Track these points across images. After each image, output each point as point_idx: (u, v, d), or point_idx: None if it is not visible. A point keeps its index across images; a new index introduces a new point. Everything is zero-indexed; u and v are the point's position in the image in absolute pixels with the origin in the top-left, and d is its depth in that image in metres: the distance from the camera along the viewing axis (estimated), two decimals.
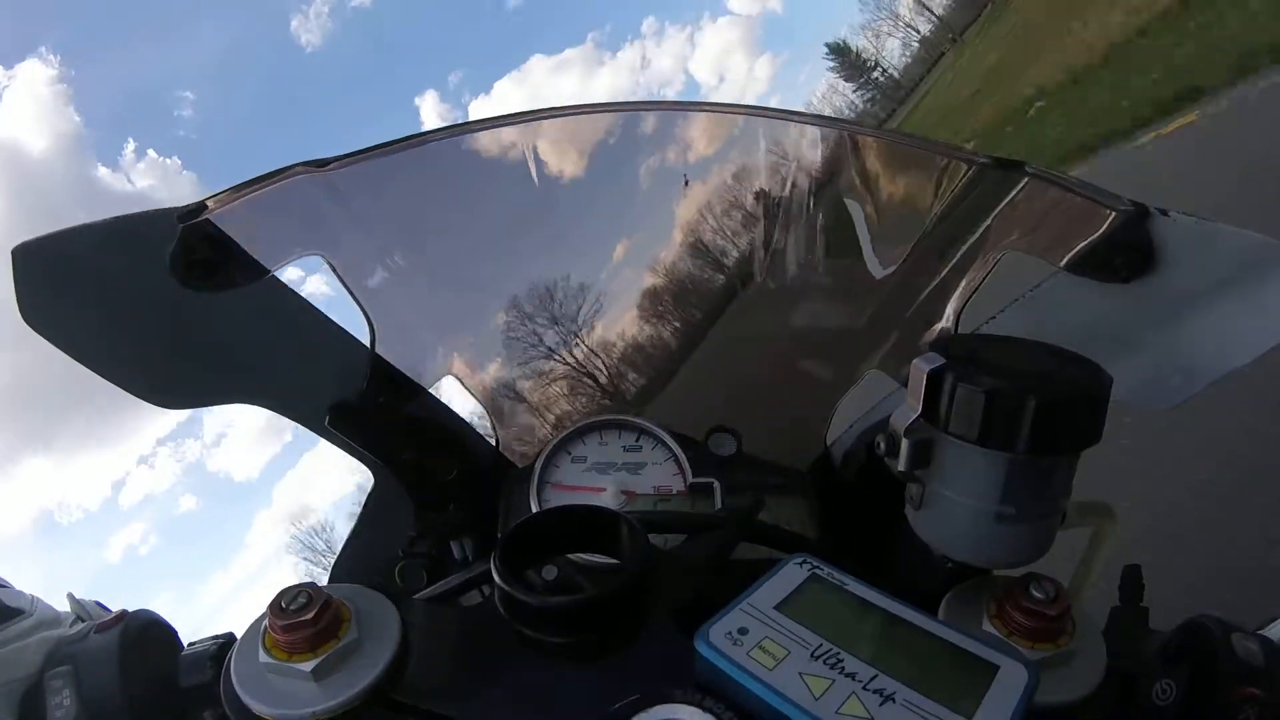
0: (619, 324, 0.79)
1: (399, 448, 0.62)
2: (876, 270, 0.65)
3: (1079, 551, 0.47)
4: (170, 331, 0.50)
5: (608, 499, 0.59)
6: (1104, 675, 0.35)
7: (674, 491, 0.60)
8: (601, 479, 0.61)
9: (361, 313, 0.58)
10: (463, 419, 0.69)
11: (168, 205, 0.47)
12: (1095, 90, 7.93)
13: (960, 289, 0.58)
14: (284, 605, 0.31)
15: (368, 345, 0.58)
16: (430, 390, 0.66)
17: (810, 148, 0.69)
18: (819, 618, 0.30)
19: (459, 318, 0.71)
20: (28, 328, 0.43)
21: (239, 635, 0.34)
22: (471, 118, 0.60)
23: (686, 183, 0.72)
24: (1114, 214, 0.46)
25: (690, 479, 0.60)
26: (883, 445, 0.37)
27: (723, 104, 0.65)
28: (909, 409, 0.35)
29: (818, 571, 0.33)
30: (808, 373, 0.75)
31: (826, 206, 0.71)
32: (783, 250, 0.75)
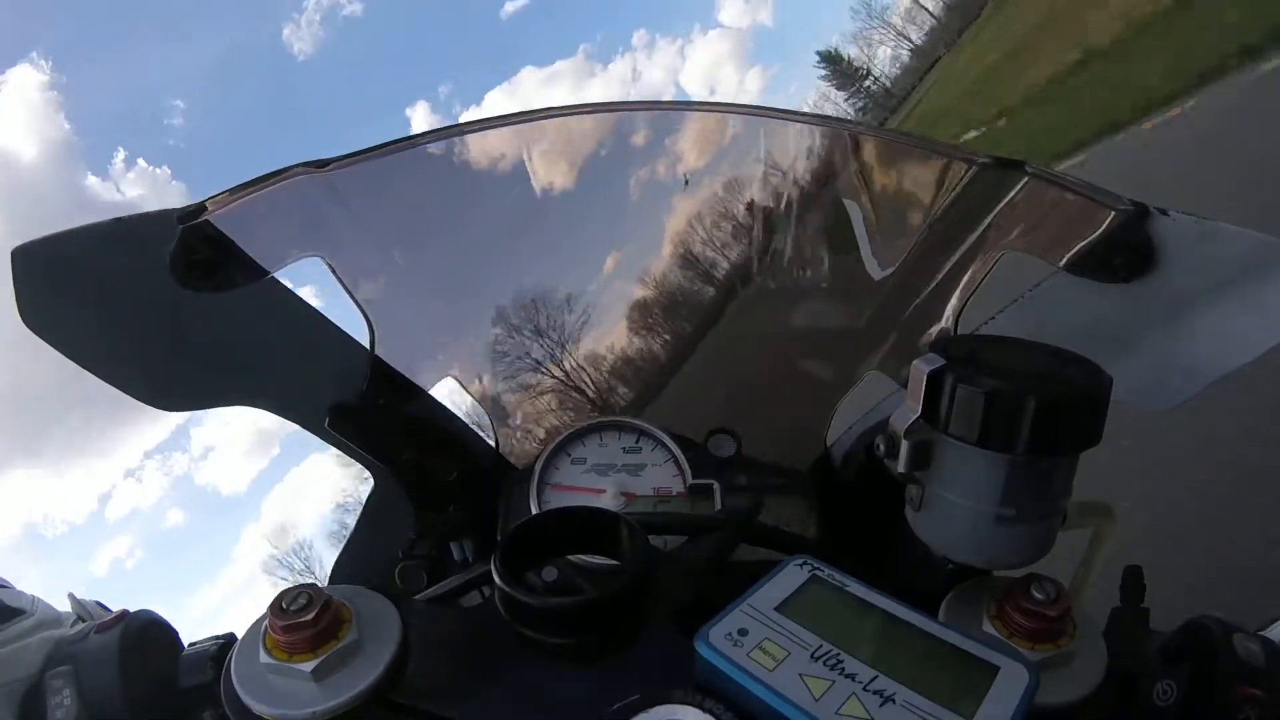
0: (616, 326, 0.79)
1: (399, 449, 0.62)
2: (875, 271, 0.65)
3: (1079, 552, 0.47)
4: (170, 333, 0.50)
5: (607, 500, 0.59)
6: (1104, 676, 0.35)
7: (674, 493, 0.60)
8: (601, 480, 0.61)
9: (361, 314, 0.58)
10: (463, 420, 0.69)
11: None
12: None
13: (959, 289, 0.58)
14: (284, 606, 0.31)
15: (367, 346, 0.58)
16: (430, 391, 0.66)
17: (808, 147, 0.69)
18: (819, 619, 0.30)
19: (459, 319, 0.71)
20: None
21: (239, 635, 0.34)
22: (446, 145, 0.60)
23: (687, 182, 0.72)
24: (1113, 214, 0.46)
25: (690, 480, 0.60)
26: (882, 446, 0.37)
27: (722, 103, 0.65)
28: (909, 410, 0.35)
29: (818, 573, 0.33)
30: (807, 373, 0.75)
31: (825, 207, 0.71)
32: (782, 251, 0.75)
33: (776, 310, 0.76)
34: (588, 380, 0.79)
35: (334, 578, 0.64)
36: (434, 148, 0.60)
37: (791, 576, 0.33)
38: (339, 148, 0.52)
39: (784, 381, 0.76)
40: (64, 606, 0.51)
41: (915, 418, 0.35)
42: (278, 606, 0.31)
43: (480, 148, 0.62)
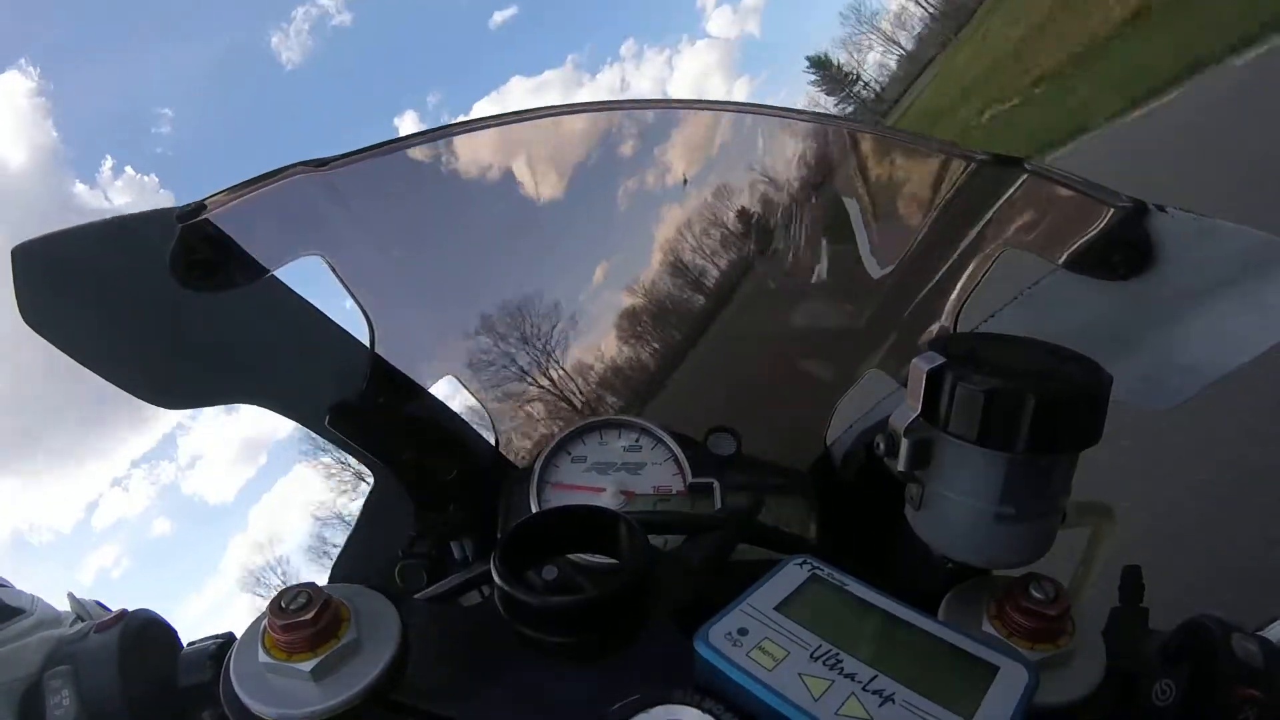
0: (614, 324, 0.79)
1: (399, 448, 0.62)
2: (874, 269, 0.65)
3: (1079, 552, 0.47)
4: (170, 331, 0.50)
5: (607, 499, 0.59)
6: (1104, 676, 0.35)
7: (674, 492, 0.60)
8: (601, 479, 0.61)
9: (361, 313, 0.58)
10: (463, 419, 0.69)
11: None
12: None
13: (959, 287, 0.58)
14: (284, 605, 0.31)
15: (367, 345, 0.58)
16: (430, 390, 0.66)
17: (807, 146, 0.69)
18: (819, 618, 0.30)
19: (459, 318, 0.71)
20: None
21: (239, 635, 0.34)
22: (445, 146, 0.60)
23: (686, 182, 0.72)
24: (1112, 211, 0.46)
25: (690, 479, 0.60)
26: (882, 445, 0.37)
27: (721, 102, 0.65)
28: (908, 409, 0.35)
29: (818, 572, 0.33)
30: (807, 372, 0.75)
31: (824, 205, 0.71)
32: (781, 250, 0.75)
33: (776, 309, 0.77)
34: (584, 380, 0.79)
35: (334, 577, 0.64)
36: (434, 147, 0.60)
37: (791, 576, 0.33)
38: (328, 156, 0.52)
39: (784, 380, 0.76)
40: (63, 606, 0.51)
41: (915, 416, 0.35)
42: (277, 606, 0.31)
43: (478, 149, 0.62)
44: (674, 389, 0.82)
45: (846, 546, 0.60)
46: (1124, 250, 0.46)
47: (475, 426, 0.70)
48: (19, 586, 0.49)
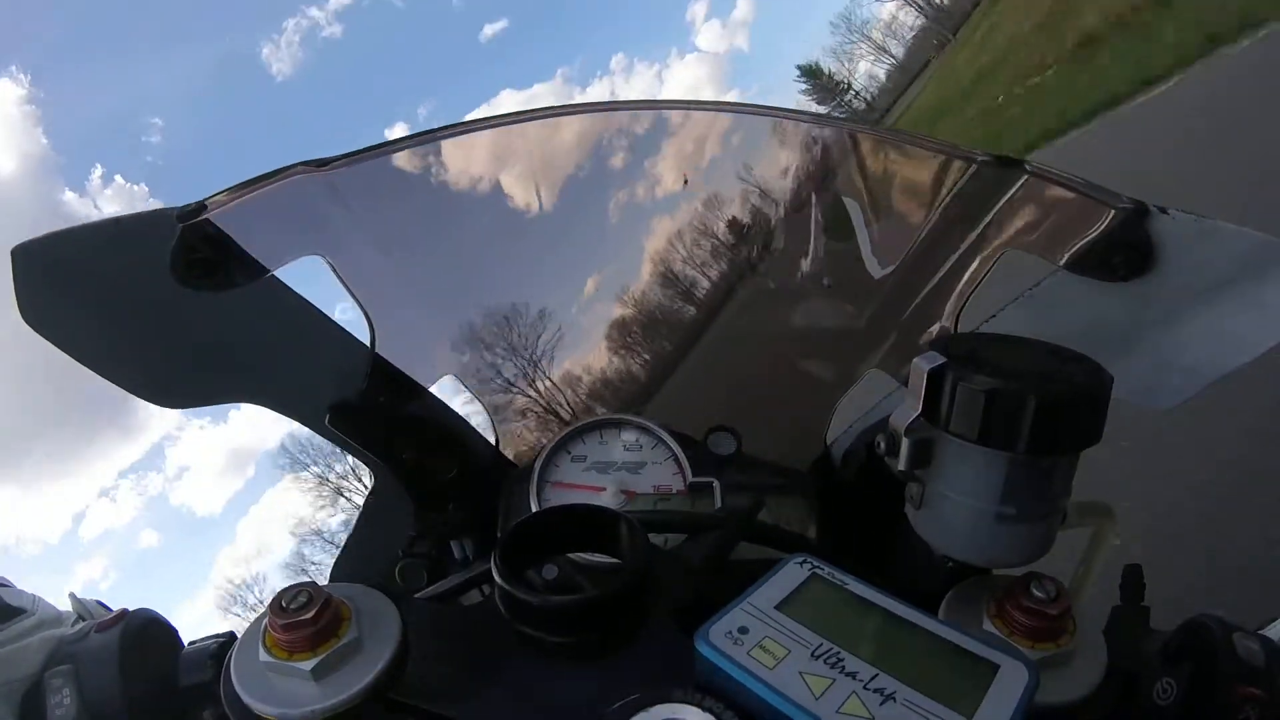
0: (613, 325, 0.79)
1: (399, 447, 0.62)
2: (875, 269, 0.65)
3: (1079, 551, 0.47)
4: (170, 331, 0.50)
5: (607, 498, 0.59)
6: (1104, 675, 0.35)
7: (674, 491, 0.60)
8: (601, 478, 0.61)
9: (361, 312, 0.58)
10: (463, 418, 0.69)
11: None
12: None
13: (959, 288, 0.58)
14: (284, 604, 0.31)
15: (368, 345, 0.58)
16: (430, 389, 0.66)
17: (807, 147, 0.69)
18: (819, 617, 0.30)
19: (459, 317, 0.71)
20: None
21: (239, 634, 0.34)
22: (444, 149, 0.61)
23: (687, 182, 0.72)
24: (1113, 212, 0.46)
25: (690, 478, 0.60)
26: (883, 445, 0.37)
27: (721, 102, 0.65)
28: (909, 408, 0.35)
29: (818, 571, 0.33)
30: (808, 372, 0.75)
31: (825, 206, 0.71)
32: (782, 250, 0.75)
33: (776, 309, 0.77)
34: (576, 386, 0.79)
35: (334, 576, 0.64)
36: (435, 148, 0.60)
37: (792, 575, 0.33)
38: None
39: (784, 380, 0.76)
40: (64, 606, 0.51)
41: (916, 416, 0.35)
42: (277, 605, 0.31)
43: (476, 152, 0.63)
44: (674, 388, 0.82)
45: (847, 546, 0.60)
46: (1125, 251, 0.46)
47: (475, 426, 0.70)
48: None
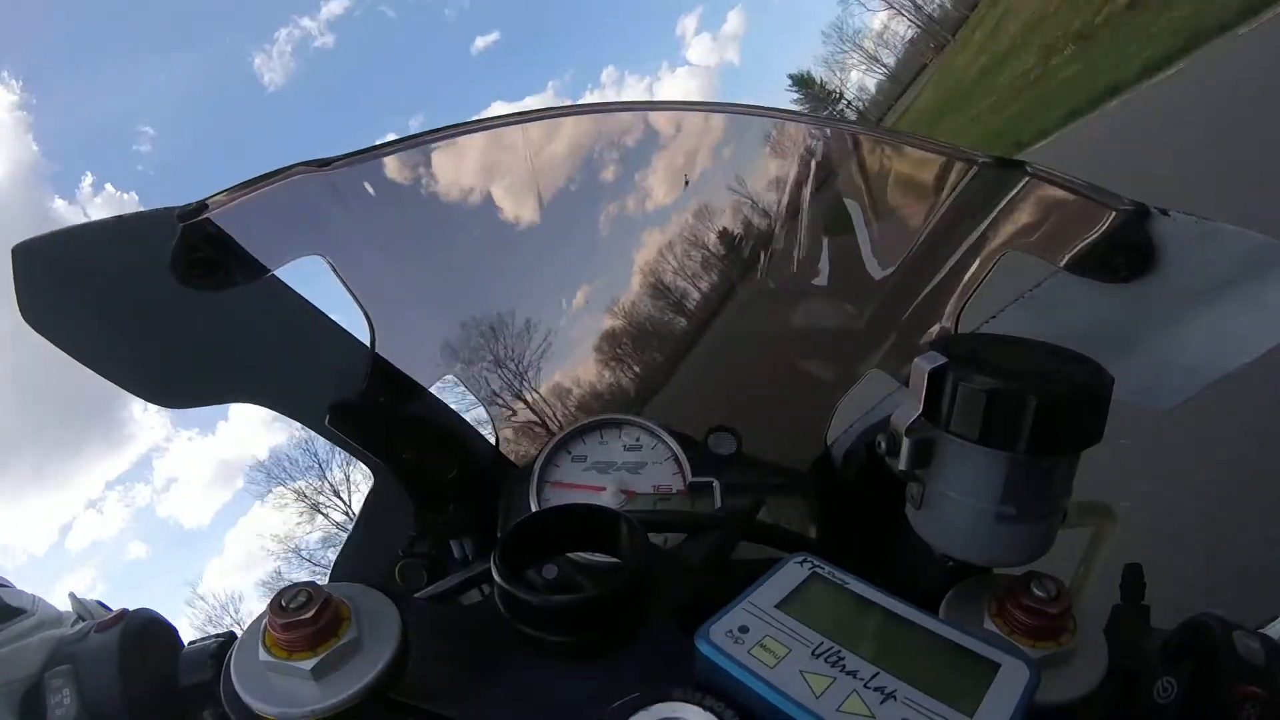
0: (614, 323, 0.79)
1: (399, 447, 0.62)
2: (876, 270, 0.65)
3: (1080, 551, 0.47)
4: (170, 330, 0.50)
5: (607, 498, 0.59)
6: (1105, 673, 0.35)
7: (674, 491, 0.60)
8: (601, 478, 0.61)
9: (361, 312, 0.58)
10: (463, 418, 0.69)
11: None
12: None
13: (960, 288, 0.58)
14: (284, 604, 0.31)
15: (368, 345, 0.58)
16: (430, 389, 0.66)
17: (808, 148, 0.69)
18: (820, 616, 0.30)
19: (459, 317, 0.71)
20: None
21: (239, 634, 0.34)
22: (444, 153, 0.61)
23: (687, 183, 0.72)
24: (1114, 213, 0.46)
25: (690, 478, 0.60)
26: (884, 444, 0.37)
27: (721, 104, 0.65)
28: (910, 408, 0.35)
29: (818, 570, 0.33)
30: (808, 373, 0.75)
31: (826, 206, 0.71)
32: (782, 250, 0.75)
33: (777, 309, 0.77)
34: (582, 380, 0.79)
35: (334, 576, 0.64)
36: (435, 148, 0.60)
37: (792, 574, 0.33)
38: None
39: (784, 380, 0.76)
40: (64, 606, 0.51)
41: (917, 415, 0.35)
42: (277, 604, 0.31)
43: (475, 155, 0.63)
44: (674, 388, 0.82)
45: (847, 546, 0.60)
46: (1126, 253, 0.46)
47: (475, 426, 0.70)
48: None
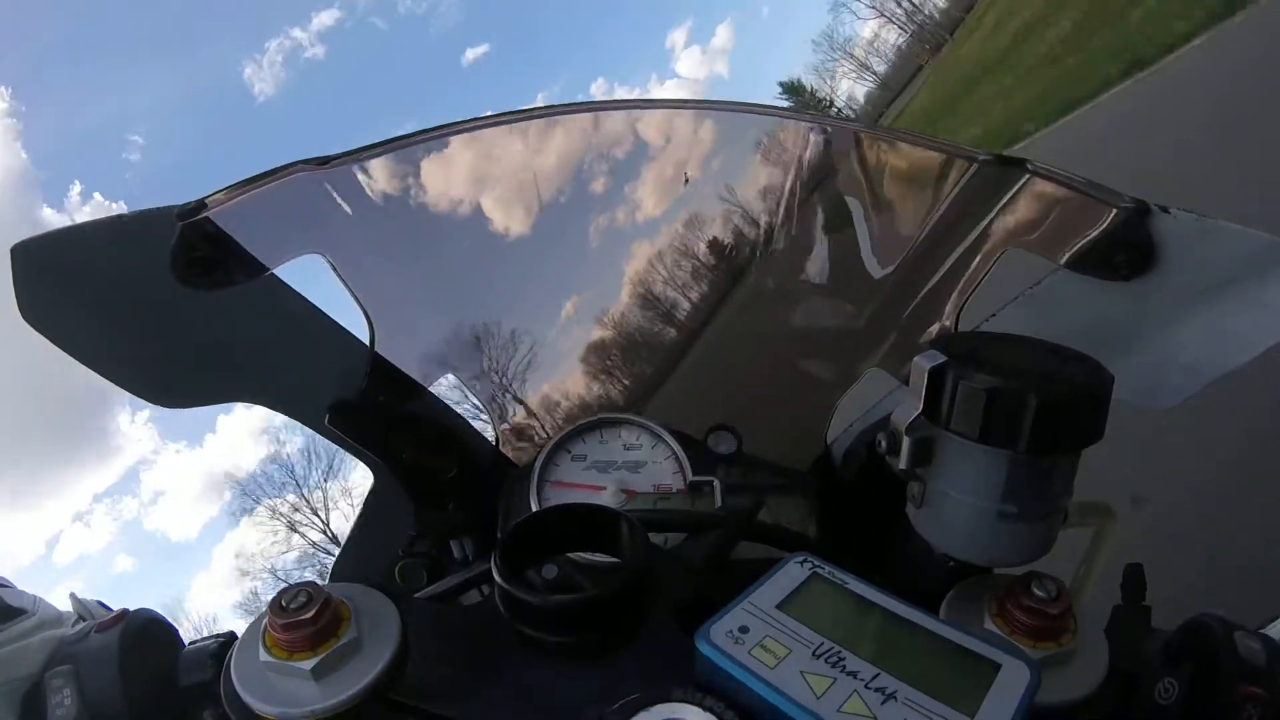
0: (612, 324, 0.79)
1: (399, 447, 0.62)
2: (876, 269, 0.65)
3: (1080, 551, 0.47)
4: (170, 330, 0.50)
5: (608, 497, 0.59)
6: (1106, 674, 0.35)
7: (674, 490, 0.60)
8: (601, 477, 0.61)
9: (361, 311, 0.58)
10: (463, 418, 0.69)
11: None
12: None
13: (960, 286, 0.57)
14: (284, 604, 0.31)
15: (367, 344, 0.58)
16: (430, 388, 0.66)
17: (808, 146, 0.69)
18: (820, 616, 0.30)
19: (458, 318, 0.71)
20: None
21: (239, 634, 0.34)
22: (424, 171, 0.61)
23: (687, 180, 0.72)
24: (1115, 211, 0.46)
25: (690, 477, 0.60)
26: (884, 443, 0.37)
27: (724, 101, 0.65)
28: (910, 407, 0.35)
29: (819, 570, 0.33)
30: (808, 372, 0.75)
31: (825, 204, 0.71)
32: (782, 249, 0.75)
33: (777, 308, 0.77)
34: (582, 380, 0.79)
35: (334, 576, 0.64)
36: (435, 147, 0.60)
37: (792, 574, 0.33)
38: None
39: (784, 379, 0.76)
40: (65, 606, 0.51)
41: (917, 414, 0.35)
42: (277, 605, 0.31)
43: (478, 144, 0.63)
44: (674, 388, 0.82)
45: (847, 545, 0.59)
46: (1126, 250, 0.46)
47: (475, 425, 0.70)
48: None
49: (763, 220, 0.75)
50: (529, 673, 0.32)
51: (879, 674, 0.27)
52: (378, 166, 0.57)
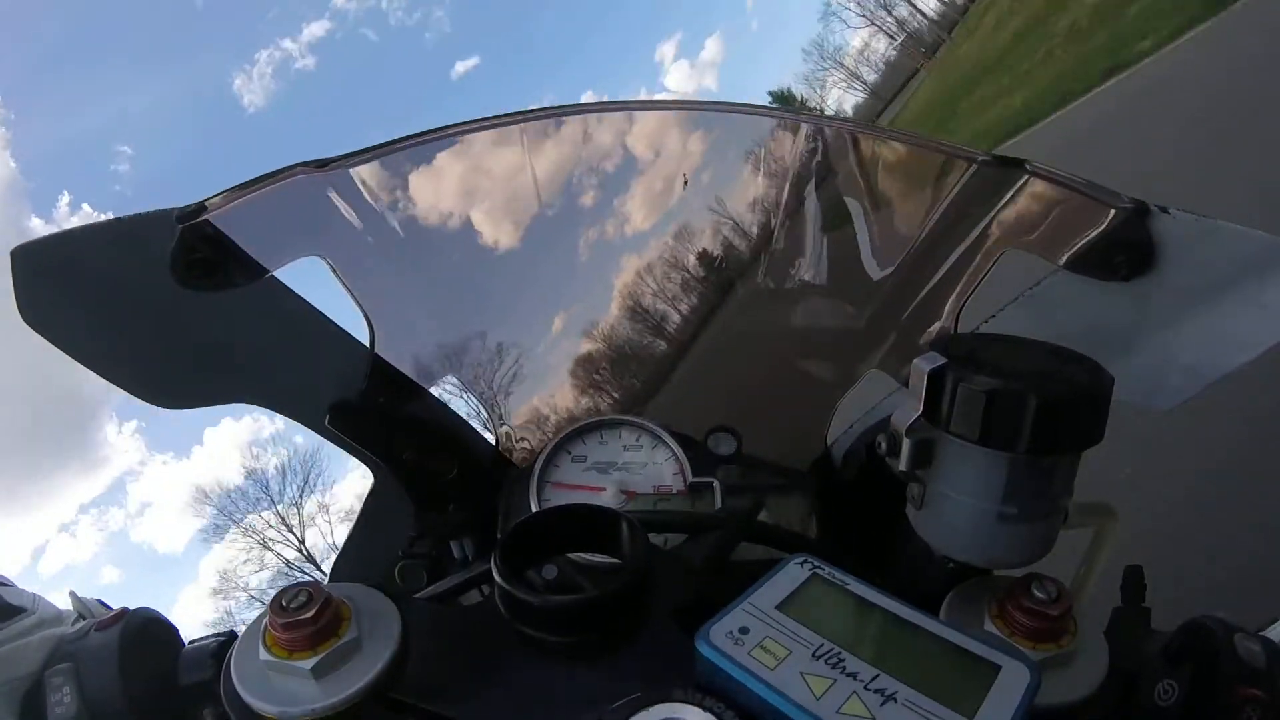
0: (613, 323, 0.79)
1: (399, 447, 0.62)
2: (875, 270, 0.65)
3: (1080, 552, 0.47)
4: (170, 332, 0.50)
5: (608, 498, 0.59)
6: (1106, 676, 0.35)
7: (674, 491, 0.60)
8: (601, 478, 0.61)
9: (361, 313, 0.58)
10: (463, 419, 0.69)
11: None
12: None
13: (959, 287, 0.57)
14: (284, 603, 0.31)
15: (368, 345, 0.58)
16: (430, 389, 0.66)
17: (807, 147, 0.69)
18: (820, 617, 0.30)
19: (458, 317, 0.71)
20: None
21: (240, 633, 0.34)
22: (424, 173, 0.61)
23: (686, 182, 0.72)
24: (1114, 211, 0.46)
25: (690, 478, 0.60)
26: (884, 445, 0.37)
27: (720, 102, 0.65)
28: (910, 409, 0.35)
29: (819, 571, 0.33)
30: (808, 373, 0.75)
31: (825, 205, 0.71)
32: (781, 250, 0.75)
33: (776, 309, 0.76)
34: (581, 381, 0.79)
35: (334, 576, 0.64)
36: (434, 148, 0.60)
37: (792, 575, 0.33)
38: None
39: (784, 380, 0.76)
40: (65, 604, 0.51)
41: (917, 416, 0.35)
42: (278, 604, 0.31)
43: (478, 145, 0.63)
44: (674, 388, 0.82)
45: (847, 546, 0.59)
46: (1126, 251, 0.46)
47: (475, 426, 0.70)
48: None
49: (762, 221, 0.75)
50: (529, 673, 0.32)
51: (879, 675, 0.27)
52: (377, 169, 0.57)
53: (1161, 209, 0.44)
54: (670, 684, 0.27)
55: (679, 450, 0.61)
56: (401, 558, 0.57)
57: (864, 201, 0.67)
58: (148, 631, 0.46)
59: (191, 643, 0.48)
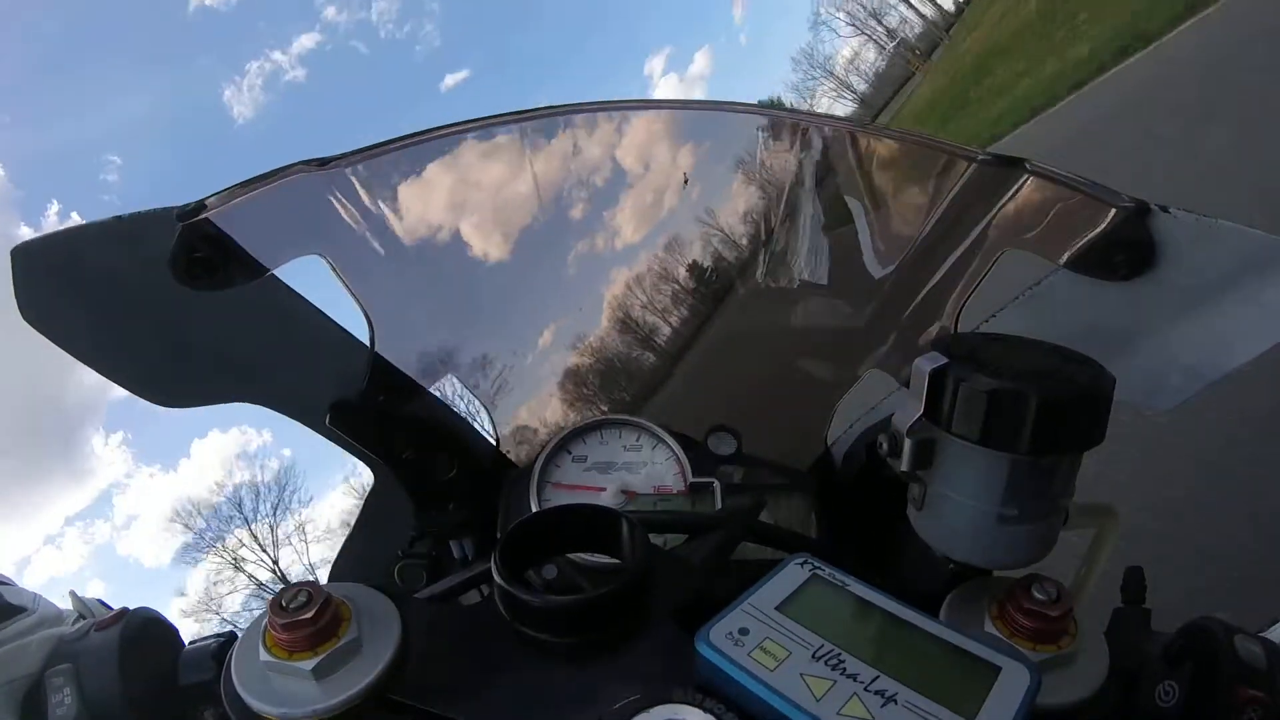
0: (614, 321, 0.79)
1: (399, 447, 0.62)
2: (875, 269, 0.65)
3: (1081, 552, 0.47)
4: (170, 331, 0.50)
5: (608, 498, 0.59)
6: (1106, 677, 0.35)
7: (674, 491, 0.60)
8: (602, 478, 0.61)
9: (361, 312, 0.58)
10: (463, 418, 0.69)
11: None
12: None
13: (960, 287, 0.57)
14: (284, 604, 0.31)
15: (368, 344, 0.58)
16: (430, 389, 0.66)
17: (806, 146, 0.69)
18: (820, 618, 0.30)
19: (459, 317, 0.71)
20: None
21: (240, 633, 0.34)
22: (423, 172, 0.61)
23: (686, 181, 0.72)
24: (1115, 211, 0.46)
25: (690, 478, 0.60)
26: (885, 445, 0.37)
27: (726, 102, 0.65)
28: (911, 409, 0.35)
29: (819, 572, 0.33)
30: (808, 373, 0.75)
31: (825, 205, 0.71)
32: (782, 249, 0.75)
33: (777, 309, 0.76)
34: (581, 381, 0.79)
35: (334, 576, 0.64)
36: (434, 147, 0.60)
37: (792, 575, 0.33)
38: None
39: (784, 380, 0.76)
40: (65, 604, 0.51)
41: (918, 416, 0.35)
42: (278, 605, 0.31)
43: (477, 145, 0.63)
44: (674, 388, 0.82)
45: (847, 546, 0.59)
46: (1126, 250, 0.46)
47: (475, 426, 0.70)
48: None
49: (757, 227, 0.75)
50: (529, 673, 0.32)
51: (879, 676, 0.27)
52: (377, 167, 0.57)
53: (1162, 208, 0.44)
54: (670, 684, 0.27)
55: (679, 450, 0.61)
56: (401, 558, 0.57)
57: (864, 201, 0.67)
58: (148, 632, 0.46)
59: (191, 643, 0.48)
